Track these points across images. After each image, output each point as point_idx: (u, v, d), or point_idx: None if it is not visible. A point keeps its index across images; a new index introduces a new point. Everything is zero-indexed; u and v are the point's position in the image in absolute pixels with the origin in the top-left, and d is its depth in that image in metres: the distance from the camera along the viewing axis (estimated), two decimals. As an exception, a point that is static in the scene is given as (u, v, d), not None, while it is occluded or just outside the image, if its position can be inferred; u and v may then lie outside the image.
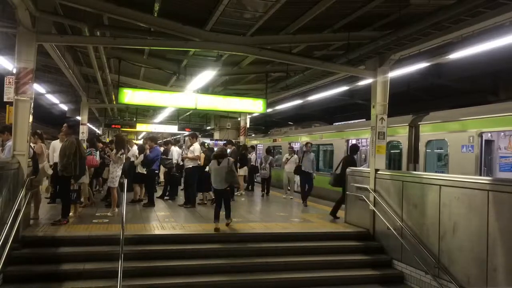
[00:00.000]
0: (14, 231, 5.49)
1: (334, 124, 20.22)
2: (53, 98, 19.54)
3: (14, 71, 7.00)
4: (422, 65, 8.94)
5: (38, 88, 15.44)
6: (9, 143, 6.67)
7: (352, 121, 17.81)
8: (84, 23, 7.84)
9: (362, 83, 11.08)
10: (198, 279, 6.04)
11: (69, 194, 7.69)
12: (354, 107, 20.88)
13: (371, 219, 7.86)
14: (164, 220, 8.17)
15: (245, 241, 7.19)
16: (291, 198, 12.71)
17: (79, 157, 7.55)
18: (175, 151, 11.71)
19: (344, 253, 7.30)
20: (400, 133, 11.19)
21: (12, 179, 6.08)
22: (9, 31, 7.05)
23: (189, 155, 10.11)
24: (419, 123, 10.62)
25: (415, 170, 10.29)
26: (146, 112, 25.53)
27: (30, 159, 6.90)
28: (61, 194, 7.89)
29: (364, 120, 14.96)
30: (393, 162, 11.97)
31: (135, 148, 10.59)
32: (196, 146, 10.25)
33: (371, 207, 7.80)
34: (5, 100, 9.04)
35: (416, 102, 16.88)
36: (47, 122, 32.55)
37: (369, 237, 7.81)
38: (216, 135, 22.08)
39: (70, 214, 7.87)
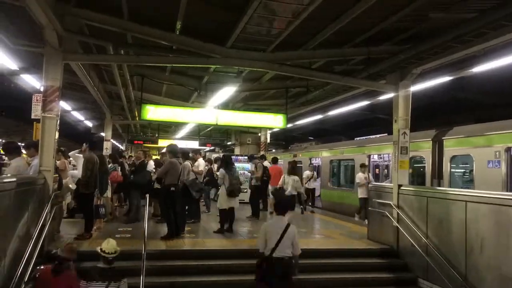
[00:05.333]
0: (39, 246, 5.59)
1: (355, 139, 20.04)
2: (78, 115, 20.02)
3: (42, 89, 7.23)
4: (444, 78, 8.81)
5: (64, 105, 15.88)
6: (36, 161, 6.84)
7: (374, 136, 17.61)
8: (109, 42, 8.06)
9: (384, 97, 10.98)
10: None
11: (91, 209, 7.80)
12: (376, 122, 20.67)
13: (395, 235, 7.69)
14: (184, 236, 8.18)
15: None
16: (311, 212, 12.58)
17: (104, 172, 7.70)
18: (202, 163, 11.24)
19: (367, 271, 7.15)
20: (423, 148, 10.99)
21: (38, 194, 6.23)
22: (37, 50, 7.29)
23: (194, 169, 10.21)
24: (443, 138, 10.41)
25: (439, 186, 10.05)
26: (168, 128, 25.86)
27: (55, 175, 7.07)
28: (83, 209, 8.02)
29: (386, 134, 14.78)
30: (416, 177, 11.73)
31: (151, 162, 10.72)
32: (200, 162, 10.73)
33: (395, 223, 7.64)
34: (32, 117, 9.35)
35: (439, 116, 16.60)
36: (73, 138, 33.33)
37: (393, 254, 7.63)
38: (237, 150, 22.12)
39: (94, 228, 7.99)
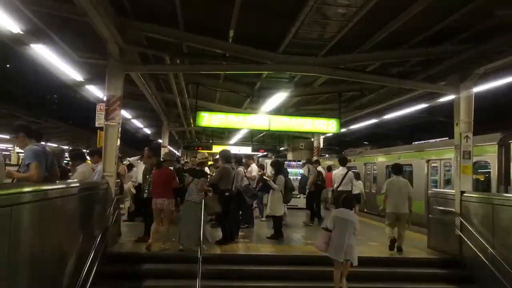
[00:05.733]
0: (103, 247, 5.90)
1: (413, 143, 19.28)
2: (137, 123, 20.94)
3: (105, 98, 7.66)
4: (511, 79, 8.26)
5: (125, 113, 16.67)
6: (100, 167, 7.24)
7: (433, 140, 16.85)
8: (166, 52, 8.39)
9: (444, 99, 10.49)
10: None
11: (150, 213, 8.09)
12: (435, 125, 19.79)
13: (458, 245, 7.29)
14: (238, 241, 8.26)
15: (319, 264, 7.00)
16: None
17: None
18: (255, 169, 11.23)
19: (427, 281, 6.84)
20: (488, 152, 10.35)
21: (102, 198, 6.58)
22: (100, 62, 7.75)
23: (247, 175, 10.32)
24: (510, 141, 9.74)
25: (507, 193, 9.40)
26: (221, 134, 26.35)
27: (117, 180, 7.44)
28: (143, 213, 8.35)
29: (447, 138, 14.09)
30: (481, 184, 11.05)
31: (206, 169, 10.96)
32: (253, 167, 10.91)
33: (457, 232, 7.24)
34: (96, 125, 9.92)
35: (505, 118, 15.55)
36: (132, 145, 34.97)
37: (455, 265, 7.23)
38: (289, 155, 22.06)
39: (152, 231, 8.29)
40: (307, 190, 11.91)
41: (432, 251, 7.90)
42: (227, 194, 7.95)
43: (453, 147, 7.96)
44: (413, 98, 11.40)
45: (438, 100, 10.95)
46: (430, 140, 17.31)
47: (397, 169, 8.13)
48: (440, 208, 7.83)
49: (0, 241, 3.16)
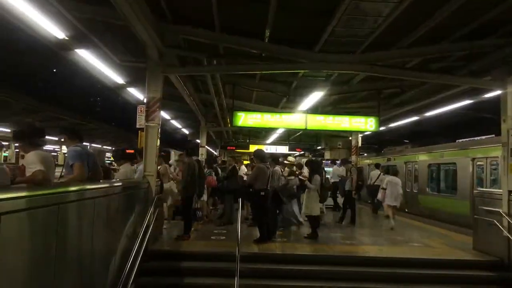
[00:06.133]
0: (144, 245, 6.08)
1: (457, 141, 18.56)
2: (176, 123, 21.39)
3: (145, 100, 7.89)
4: None
5: (164, 114, 17.08)
6: (140, 167, 7.47)
7: (478, 138, 16.16)
8: (203, 54, 8.53)
9: (489, 95, 10.03)
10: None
11: (190, 211, 8.26)
12: (481, 122, 18.96)
13: (506, 246, 6.96)
14: (276, 240, 8.27)
15: (357, 264, 6.91)
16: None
17: (199, 177, 8.13)
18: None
19: (474, 284, 6.57)
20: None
21: (143, 197, 6.78)
22: (140, 65, 7.98)
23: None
24: None
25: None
26: (258, 134, 26.45)
27: (158, 180, 7.64)
28: (183, 211, 8.53)
29: (494, 136, 13.47)
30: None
31: (243, 167, 11.06)
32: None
33: (505, 233, 6.91)
34: (137, 126, 10.22)
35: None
36: (172, 145, 35.75)
37: (504, 267, 6.91)
38: (327, 154, 21.84)
39: (192, 229, 8.48)
40: (348, 190, 11.65)
41: (478, 253, 7.58)
42: (262, 193, 7.99)
43: (500, 144, 7.60)
44: (456, 94, 11.01)
45: (483, 96, 10.50)
46: (475, 138, 16.62)
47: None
48: (487, 208, 7.50)
49: (48, 238, 3.33)
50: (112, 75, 9.35)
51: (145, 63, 7.57)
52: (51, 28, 6.19)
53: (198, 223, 9.21)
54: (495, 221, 7.16)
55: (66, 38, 6.70)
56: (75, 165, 4.60)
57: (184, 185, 8.11)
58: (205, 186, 9.65)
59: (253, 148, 25.51)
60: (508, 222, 6.89)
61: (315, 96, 11.19)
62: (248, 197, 9.20)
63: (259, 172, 8.14)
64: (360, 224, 11.19)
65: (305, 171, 10.69)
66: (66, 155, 4.93)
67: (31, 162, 3.85)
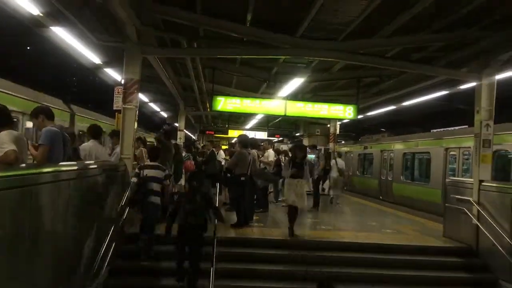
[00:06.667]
0: (119, 228, 6.02)
1: (431, 131, 18.98)
2: (154, 106, 21.07)
3: (122, 81, 7.71)
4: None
5: (142, 97, 16.80)
6: (117, 150, 7.34)
7: (452, 128, 16.56)
8: (183, 36, 8.36)
9: (465, 86, 10.25)
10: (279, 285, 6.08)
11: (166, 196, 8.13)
12: (455, 113, 19.42)
13: (474, 234, 7.21)
14: (253, 225, 8.33)
15: (332, 249, 7.03)
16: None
17: (178, 161, 8.03)
18: (271, 154, 11.43)
19: (443, 270, 6.79)
20: (509, 141, 10.12)
21: (120, 180, 6.68)
22: (118, 45, 7.76)
23: (263, 159, 10.48)
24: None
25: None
26: (237, 119, 26.38)
27: (134, 163, 7.52)
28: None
29: (466, 126, 13.83)
30: (501, 173, 10.84)
31: (221, 152, 11.01)
32: (270, 152, 11.12)
33: (474, 221, 7.15)
34: (114, 108, 10.00)
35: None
36: (149, 128, 35.25)
37: (472, 254, 7.17)
38: (305, 141, 21.98)
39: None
40: (316, 176, 11.80)
41: (448, 239, 7.83)
42: (242, 178, 8.00)
43: (473, 135, 7.80)
44: (433, 84, 11.18)
45: (459, 87, 10.71)
46: (449, 128, 17.03)
47: None
48: (458, 196, 7.73)
49: (21, 220, 3.24)
50: (89, 55, 9.09)
51: (123, 43, 7.38)
52: (25, 4, 5.95)
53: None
54: (465, 209, 7.39)
55: (41, 14, 6.45)
56: (43, 146, 4.39)
57: None
58: (183, 170, 9.58)
59: (232, 133, 25.46)
60: (478, 210, 7.12)
61: (295, 83, 11.18)
62: (226, 182, 9.18)
63: (240, 157, 8.14)
64: (332, 210, 11.41)
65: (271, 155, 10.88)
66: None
67: (3, 142, 3.69)
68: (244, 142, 8.57)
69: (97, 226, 5.43)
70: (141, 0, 6.91)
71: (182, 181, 9.49)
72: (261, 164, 10.56)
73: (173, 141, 9.56)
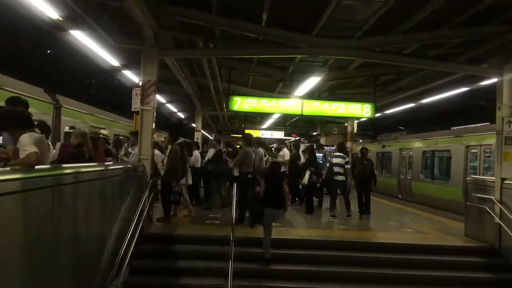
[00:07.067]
0: (139, 228, 6.09)
1: (452, 128, 18.62)
2: (171, 107, 21.24)
3: (140, 83, 7.80)
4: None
5: (160, 98, 16.94)
6: (136, 151, 7.43)
7: (473, 125, 16.22)
8: (199, 37, 8.41)
9: (486, 82, 10.03)
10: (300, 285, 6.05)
11: (168, 196, 8.19)
12: (476, 110, 19.04)
13: (497, 233, 7.05)
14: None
15: (351, 249, 6.98)
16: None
17: (181, 162, 8.19)
18: (287, 153, 11.28)
19: (465, 270, 6.67)
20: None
21: (138, 180, 6.77)
22: (135, 47, 7.86)
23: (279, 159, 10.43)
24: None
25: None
26: (254, 119, 26.37)
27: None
28: (162, 196, 8.46)
29: (488, 123, 13.52)
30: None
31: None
32: (285, 152, 11.03)
33: (497, 220, 7.00)
34: (132, 109, 10.13)
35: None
36: (167, 129, 35.57)
37: (494, 253, 7.02)
38: (322, 140, 21.85)
39: (186, 213, 8.52)
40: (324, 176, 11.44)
41: (469, 239, 7.68)
42: (249, 176, 8.06)
43: (494, 132, 7.64)
44: (452, 81, 10.99)
45: (480, 84, 10.50)
46: (470, 125, 16.69)
47: None
48: (479, 195, 7.57)
49: (43, 220, 3.32)
50: (107, 57, 9.21)
51: (140, 45, 7.47)
52: (45, 8, 6.07)
53: (181, 207, 9.16)
54: (487, 208, 7.24)
55: (60, 18, 6.58)
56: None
57: (166, 171, 8.14)
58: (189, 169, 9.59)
59: (248, 133, 25.43)
60: (500, 209, 6.97)
61: (312, 82, 11.12)
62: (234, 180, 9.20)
63: (244, 155, 8.22)
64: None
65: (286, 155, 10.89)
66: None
67: (25, 145, 3.76)
68: (248, 140, 8.70)
69: (117, 227, 5.52)
70: (158, 2, 6.99)
71: (189, 181, 9.41)
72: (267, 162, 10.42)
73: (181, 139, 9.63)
